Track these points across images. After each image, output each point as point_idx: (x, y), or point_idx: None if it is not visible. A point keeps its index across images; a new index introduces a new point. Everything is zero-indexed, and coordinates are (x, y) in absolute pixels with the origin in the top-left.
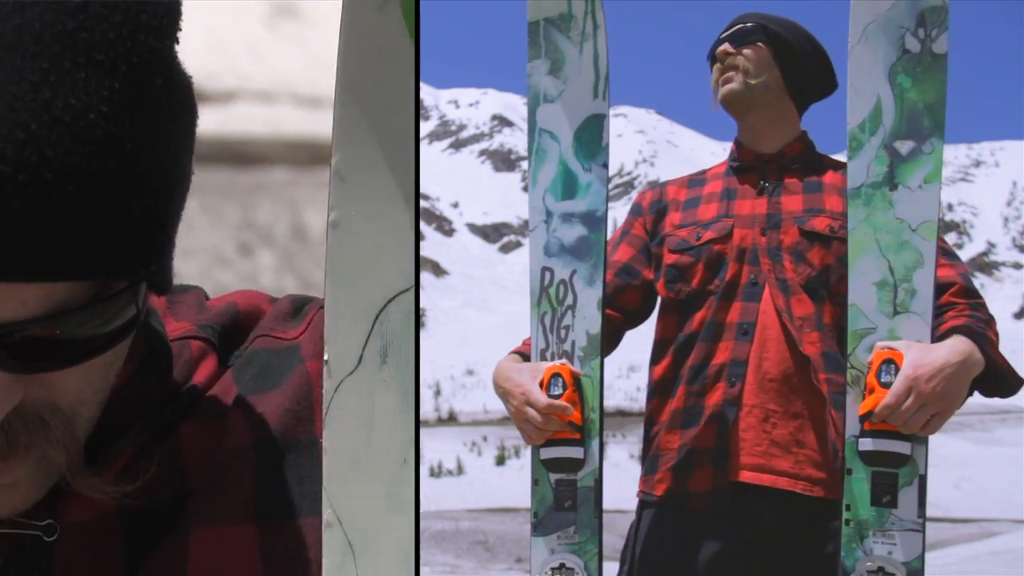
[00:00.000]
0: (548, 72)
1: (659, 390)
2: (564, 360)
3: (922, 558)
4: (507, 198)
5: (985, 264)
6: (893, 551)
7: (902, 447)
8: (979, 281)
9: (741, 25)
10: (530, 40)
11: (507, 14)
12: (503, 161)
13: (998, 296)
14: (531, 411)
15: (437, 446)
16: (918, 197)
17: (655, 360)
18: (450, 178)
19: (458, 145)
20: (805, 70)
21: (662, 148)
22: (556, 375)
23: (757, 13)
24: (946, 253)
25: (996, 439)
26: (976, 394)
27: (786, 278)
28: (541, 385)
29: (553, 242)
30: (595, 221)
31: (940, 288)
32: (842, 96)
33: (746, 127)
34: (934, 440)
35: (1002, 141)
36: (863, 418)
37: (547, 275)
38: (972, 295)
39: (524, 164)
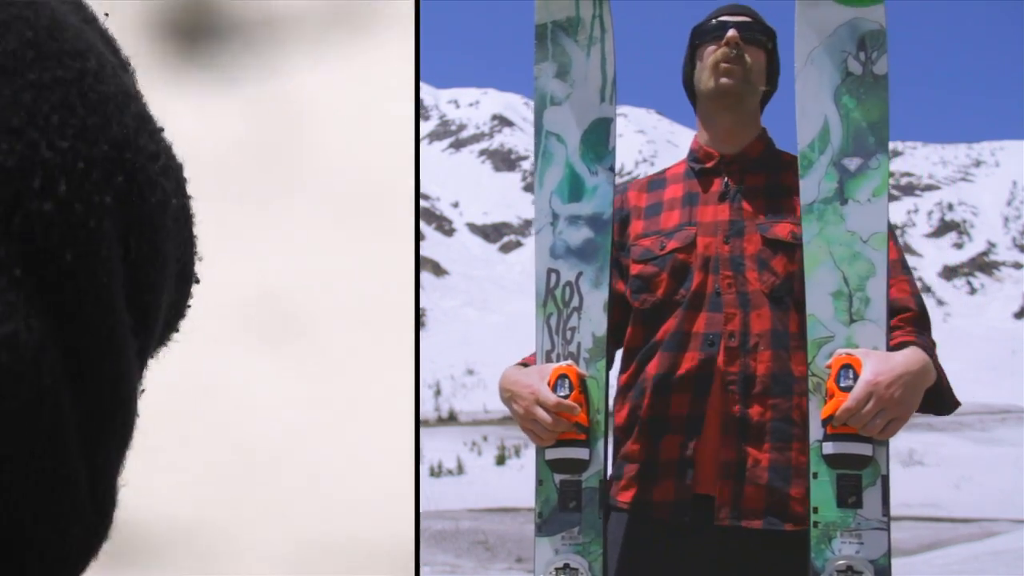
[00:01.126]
0: (555, 75)
1: (624, 398)
2: (570, 362)
3: (888, 555)
4: (507, 198)
5: (985, 264)
6: (860, 550)
7: (864, 449)
8: (979, 281)
9: (747, 19)
10: (537, 43)
11: (508, 13)
12: (503, 161)
13: (998, 296)
14: (540, 411)
15: (437, 446)
16: (867, 210)
17: (623, 368)
18: (450, 178)
19: (458, 145)
20: (776, 81)
21: (662, 148)
22: (563, 376)
23: (750, 8)
24: (903, 267)
25: (996, 439)
26: (972, 394)
27: (747, 290)
28: (547, 386)
29: (559, 244)
30: (601, 224)
31: (895, 310)
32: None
33: (716, 126)
34: (935, 440)
35: (1002, 141)
36: (825, 422)
37: (553, 276)
38: (922, 321)
39: (524, 164)
